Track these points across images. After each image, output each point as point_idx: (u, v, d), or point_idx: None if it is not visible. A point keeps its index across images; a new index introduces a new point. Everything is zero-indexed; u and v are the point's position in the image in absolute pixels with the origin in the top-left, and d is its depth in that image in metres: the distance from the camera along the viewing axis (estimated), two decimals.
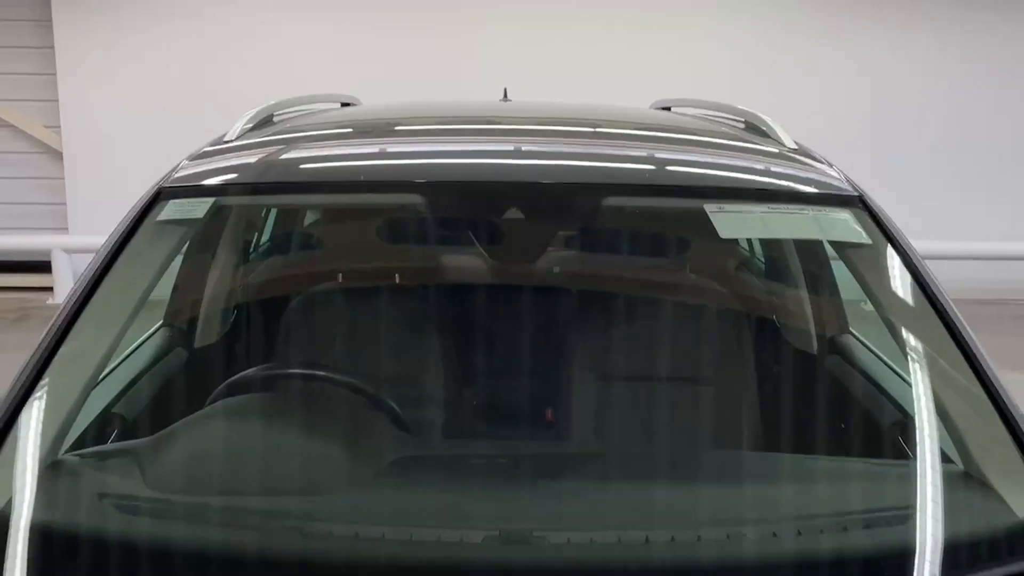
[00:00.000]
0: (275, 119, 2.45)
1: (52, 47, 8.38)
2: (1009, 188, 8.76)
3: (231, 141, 2.17)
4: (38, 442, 1.61)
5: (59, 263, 8.30)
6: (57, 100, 8.46)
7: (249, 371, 1.84)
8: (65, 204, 8.64)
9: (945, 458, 1.67)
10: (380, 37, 8.27)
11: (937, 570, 1.39)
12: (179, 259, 2.28)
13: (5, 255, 8.62)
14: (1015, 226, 8.72)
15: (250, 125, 2.30)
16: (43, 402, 1.64)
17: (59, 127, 8.53)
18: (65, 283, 8.33)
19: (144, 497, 1.51)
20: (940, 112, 8.60)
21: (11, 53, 8.51)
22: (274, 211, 2.47)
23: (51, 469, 1.60)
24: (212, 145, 2.18)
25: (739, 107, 2.58)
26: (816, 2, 8.42)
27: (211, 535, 1.44)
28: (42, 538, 1.43)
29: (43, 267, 8.48)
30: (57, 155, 8.61)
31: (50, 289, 8.40)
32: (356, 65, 8.15)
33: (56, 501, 1.52)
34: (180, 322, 2.31)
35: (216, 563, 1.38)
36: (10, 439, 1.58)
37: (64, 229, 8.60)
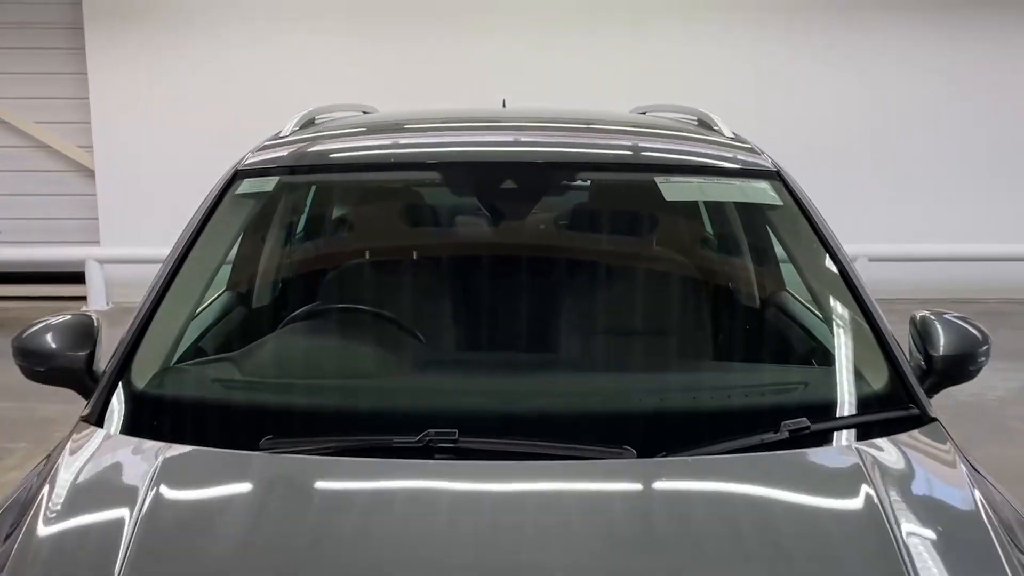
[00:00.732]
0: (316, 121, 3.04)
1: (85, 73, 9.03)
2: (979, 192, 9.33)
3: (286, 136, 2.77)
4: (157, 356, 2.21)
5: (92, 273, 8.91)
6: (89, 122, 9.10)
7: (309, 306, 2.45)
8: (97, 219, 9.25)
9: (834, 360, 2.29)
10: (389, 57, 8.88)
11: (826, 415, 2.02)
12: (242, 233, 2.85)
13: (42, 266, 9.24)
14: (983, 229, 9.28)
15: (298, 126, 2.90)
16: (155, 332, 2.23)
17: (91, 147, 9.16)
18: (98, 292, 8.93)
19: (241, 379, 2.11)
20: (918, 121, 9.20)
21: (48, 79, 9.15)
22: (314, 189, 3.04)
23: (167, 371, 2.19)
24: (270, 140, 2.77)
25: (696, 108, 3.18)
26: (799, 20, 9.05)
27: (291, 399, 2.05)
28: (174, 407, 2.02)
29: (77, 278, 9.09)
30: (89, 173, 9.23)
31: (83, 298, 8.99)
32: (365, 82, 8.74)
33: (179, 385, 2.12)
34: (241, 286, 2.88)
35: (296, 418, 1.99)
36: (136, 357, 2.16)
37: (96, 242, 9.20)
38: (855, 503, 1.72)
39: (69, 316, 2.26)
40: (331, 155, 2.66)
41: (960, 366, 2.26)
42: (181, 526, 1.67)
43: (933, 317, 2.32)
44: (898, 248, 9.06)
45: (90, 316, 2.28)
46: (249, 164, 2.55)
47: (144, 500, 1.66)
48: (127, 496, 1.68)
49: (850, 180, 9.15)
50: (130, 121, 9.05)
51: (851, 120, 9.18)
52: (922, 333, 2.29)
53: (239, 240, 2.55)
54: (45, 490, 1.76)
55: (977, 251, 9.17)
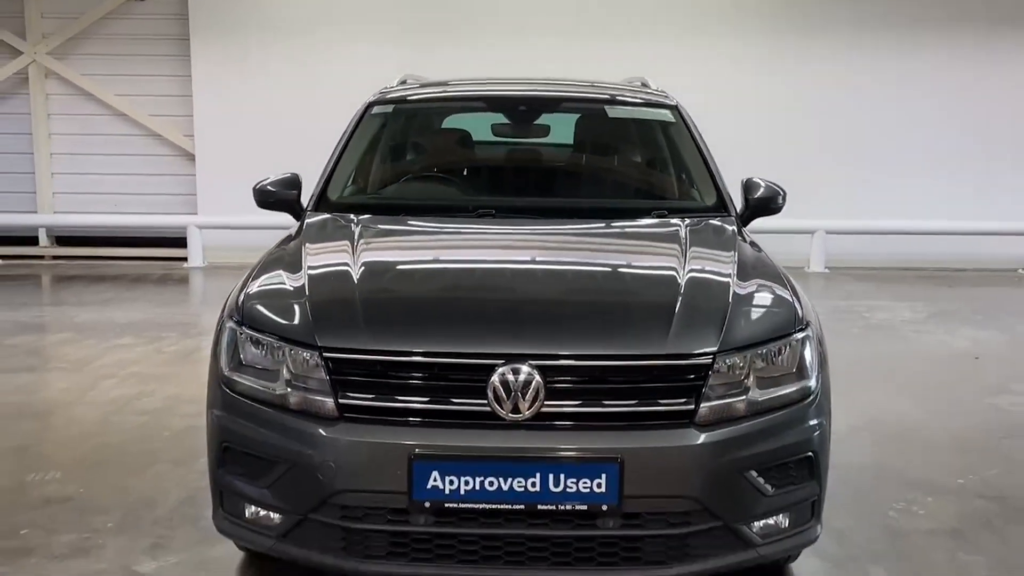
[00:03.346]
0: (407, 81, 5.02)
1: (189, 76, 11.08)
2: (930, 176, 11.12)
3: (392, 87, 4.75)
4: (338, 188, 4.17)
5: (193, 237, 10.93)
6: (192, 116, 11.16)
7: (410, 174, 4.44)
8: (195, 194, 11.27)
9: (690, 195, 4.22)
10: (430, 62, 10.82)
11: (675, 211, 3.91)
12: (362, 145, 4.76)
13: (152, 231, 11.29)
14: (932, 208, 11.06)
15: (397, 83, 4.87)
16: (335, 179, 4.19)
17: (193, 136, 11.21)
18: (196, 252, 10.93)
19: (386, 196, 4.11)
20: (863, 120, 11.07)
21: (159, 80, 11.22)
22: (415, 112, 4.88)
23: (344, 196, 4.15)
24: (384, 89, 4.73)
25: (642, 77, 5.14)
26: (763, 38, 10.98)
27: (412, 202, 4.05)
28: (356, 205, 3.98)
29: (178, 242, 11.12)
30: (191, 157, 11.27)
31: (184, 259, 11.01)
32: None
33: (354, 199, 4.10)
34: (375, 161, 4.70)
35: (416, 207, 3.95)
36: (328, 189, 4.12)
37: (195, 213, 11.22)
38: (672, 234, 3.58)
39: (289, 174, 4.20)
40: (423, 94, 4.65)
41: (765, 205, 4.12)
42: (376, 243, 3.54)
43: (753, 179, 4.21)
44: (853, 223, 10.89)
45: (297, 174, 4.22)
46: (376, 99, 4.53)
47: (356, 233, 3.53)
48: (347, 233, 3.52)
49: (812, 164, 10.99)
50: (225, 115, 11.08)
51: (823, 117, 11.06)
52: (746, 187, 4.19)
53: (373, 137, 4.49)
54: (305, 239, 3.58)
55: (920, 226, 10.92)
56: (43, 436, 5.01)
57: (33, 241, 11.43)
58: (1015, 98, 11.01)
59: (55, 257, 11.38)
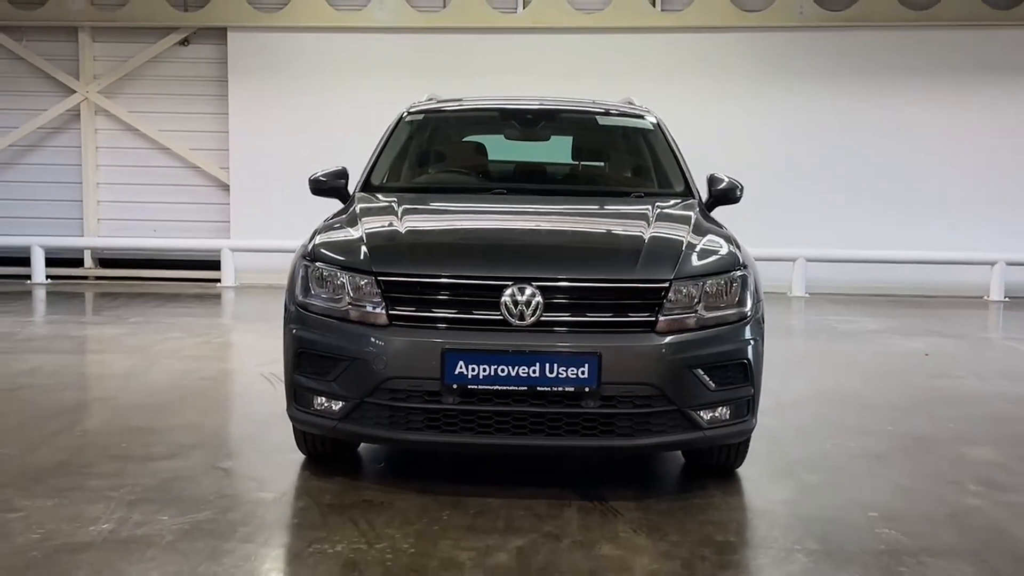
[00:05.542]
0: (431, 98, 6.03)
1: (226, 114, 12.20)
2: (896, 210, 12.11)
3: (420, 103, 5.77)
4: (379, 177, 5.15)
5: (226, 258, 11.93)
6: (228, 150, 12.24)
7: (436, 168, 5.43)
8: (228, 221, 12.31)
9: (663, 183, 5.19)
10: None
11: (650, 195, 4.89)
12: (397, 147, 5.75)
13: (188, 254, 12.29)
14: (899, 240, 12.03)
15: (425, 99, 5.89)
16: (375, 171, 5.17)
17: (228, 168, 12.28)
18: (230, 273, 11.92)
19: (420, 181, 5.11)
20: (832, 157, 12.09)
21: (198, 118, 12.34)
22: (440, 120, 5.86)
23: (387, 181, 5.14)
24: (414, 104, 5.75)
25: (629, 97, 6.15)
26: (735, 83, 12.05)
27: (440, 185, 5.07)
28: (395, 188, 4.98)
29: (213, 265, 12.11)
30: (225, 187, 12.33)
31: (218, 280, 12.00)
32: None
33: (394, 184, 5.08)
34: (407, 157, 5.68)
35: (445, 186, 4.99)
36: (372, 177, 5.11)
37: (228, 237, 12.23)
38: (642, 211, 4.51)
39: (340, 167, 5.18)
40: (448, 106, 5.68)
41: (726, 195, 5.05)
42: (414, 211, 4.43)
43: (716, 173, 5.16)
44: (831, 251, 11.85)
45: (344, 167, 5.20)
46: (409, 110, 5.55)
47: (398, 204, 4.48)
48: (391, 205, 4.45)
49: (793, 196, 11.98)
50: (257, 149, 12.17)
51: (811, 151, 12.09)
52: (710, 181, 5.15)
53: (407, 138, 5.47)
54: (357, 208, 4.52)
55: (895, 255, 11.89)
56: (122, 393, 5.93)
57: (78, 263, 12.43)
58: (984, 139, 12.06)
59: (98, 277, 12.39)
